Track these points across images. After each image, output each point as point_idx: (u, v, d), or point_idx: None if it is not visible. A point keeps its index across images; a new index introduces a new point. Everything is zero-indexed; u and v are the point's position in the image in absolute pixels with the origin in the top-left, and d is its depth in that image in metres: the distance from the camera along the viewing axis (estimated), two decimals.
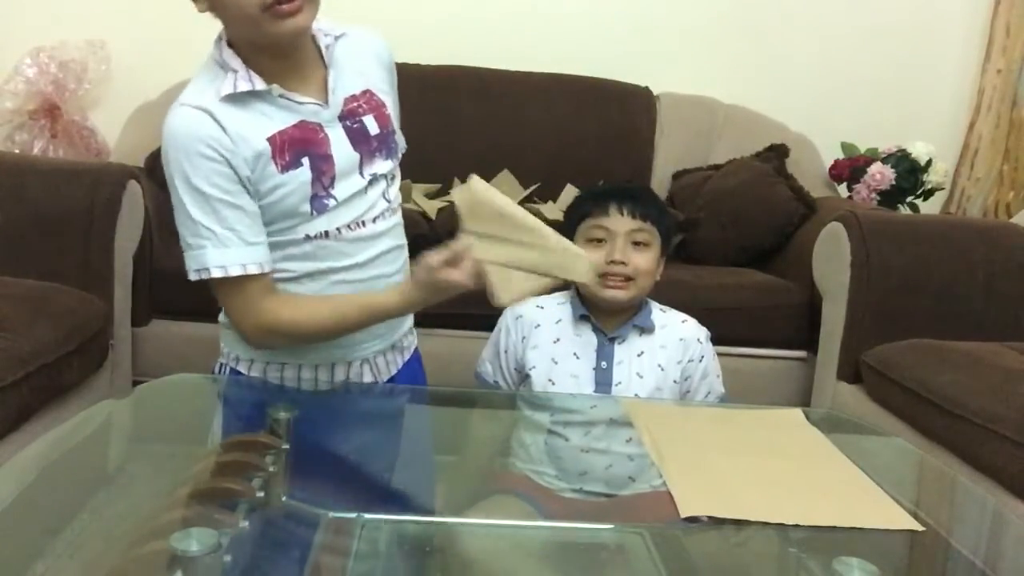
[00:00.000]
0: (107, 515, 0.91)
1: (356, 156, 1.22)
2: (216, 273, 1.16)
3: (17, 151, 2.60)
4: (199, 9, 1.15)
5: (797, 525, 0.93)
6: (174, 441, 1.15)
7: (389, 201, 1.28)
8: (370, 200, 1.24)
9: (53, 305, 1.63)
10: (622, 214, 1.40)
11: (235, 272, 1.15)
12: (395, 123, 1.31)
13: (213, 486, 0.95)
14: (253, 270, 1.16)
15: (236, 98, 1.14)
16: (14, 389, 1.42)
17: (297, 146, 1.16)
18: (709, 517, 0.93)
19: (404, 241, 1.33)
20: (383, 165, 1.25)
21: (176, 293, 2.04)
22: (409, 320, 1.39)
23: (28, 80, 2.61)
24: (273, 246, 1.20)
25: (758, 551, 0.96)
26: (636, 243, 1.40)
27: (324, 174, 1.19)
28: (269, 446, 0.98)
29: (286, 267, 1.22)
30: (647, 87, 2.78)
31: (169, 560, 0.73)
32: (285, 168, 1.16)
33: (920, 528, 0.95)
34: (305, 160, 1.17)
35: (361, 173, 1.22)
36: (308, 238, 1.21)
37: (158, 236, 2.06)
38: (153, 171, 2.20)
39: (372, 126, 1.24)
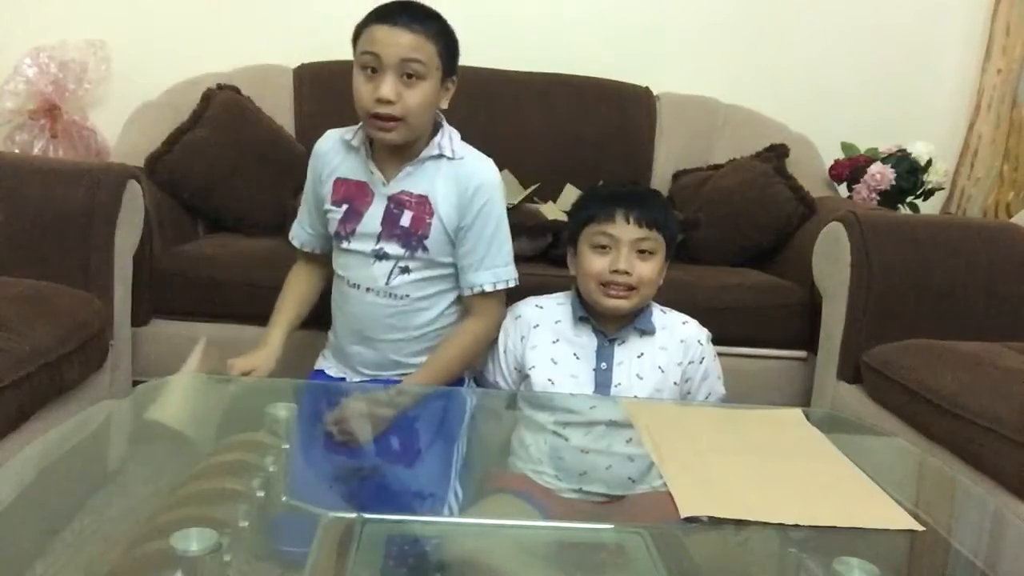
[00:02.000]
0: (107, 515, 0.91)
1: (379, 229, 1.49)
2: (291, 240, 1.67)
3: (17, 151, 2.60)
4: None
5: (797, 525, 0.93)
6: (174, 441, 1.15)
7: (388, 284, 1.51)
8: (374, 274, 1.51)
9: (53, 305, 1.63)
10: (628, 221, 1.38)
11: (290, 237, 1.67)
12: (437, 233, 1.49)
13: (213, 486, 0.95)
14: (296, 243, 1.65)
15: (348, 144, 1.53)
16: (14, 389, 1.42)
17: (347, 195, 1.52)
18: (709, 517, 0.93)
19: (405, 332, 1.54)
20: (396, 250, 1.49)
21: (176, 293, 2.05)
22: (402, 366, 1.56)
23: (28, 80, 2.61)
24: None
25: (758, 551, 0.96)
26: (641, 251, 1.39)
27: (349, 222, 1.52)
28: (269, 446, 0.98)
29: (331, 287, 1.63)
30: (647, 87, 2.78)
31: (169, 560, 0.73)
32: (334, 203, 1.54)
33: (920, 528, 0.95)
34: (345, 206, 1.52)
35: (376, 243, 1.50)
36: (335, 274, 1.58)
37: (158, 236, 2.06)
38: (153, 171, 2.20)
39: (406, 219, 1.48)
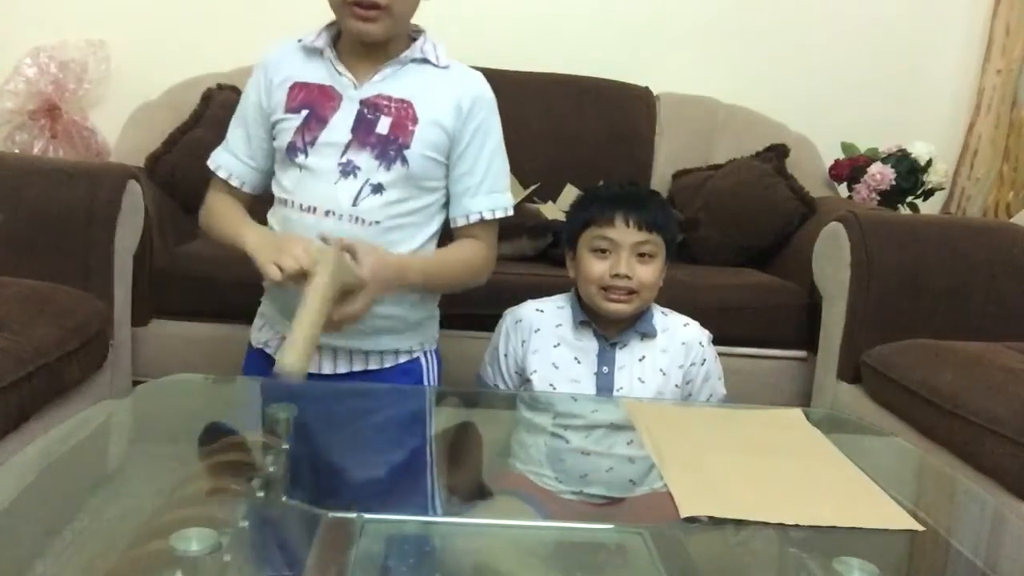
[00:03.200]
0: (107, 515, 0.91)
1: (348, 138, 1.29)
2: (210, 165, 1.41)
3: (17, 151, 2.60)
4: None
5: (797, 525, 0.93)
6: (174, 441, 1.15)
7: (355, 206, 1.28)
8: (337, 194, 1.28)
9: (53, 305, 1.63)
10: (628, 225, 1.38)
11: (211, 166, 1.40)
12: (419, 145, 1.30)
13: (213, 486, 0.95)
14: (222, 174, 1.39)
15: (308, 49, 1.33)
16: (14, 389, 1.42)
17: (307, 100, 1.31)
18: (709, 517, 0.93)
19: None
20: (368, 162, 1.29)
21: (176, 293, 2.05)
22: (378, 343, 1.37)
23: (28, 80, 2.61)
24: (274, 195, 1.37)
25: (758, 551, 0.96)
26: (641, 255, 1.39)
27: (310, 130, 1.30)
28: (269, 446, 0.98)
29: (271, 220, 1.37)
30: (647, 87, 2.78)
31: (169, 560, 0.73)
32: (288, 110, 1.32)
33: (920, 528, 0.95)
34: (304, 112, 1.30)
35: (342, 155, 1.29)
36: (280, 200, 1.34)
37: (158, 236, 2.06)
38: (153, 171, 2.20)
39: (383, 126, 1.29)
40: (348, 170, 1.29)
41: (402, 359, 1.42)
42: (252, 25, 2.74)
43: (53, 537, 0.82)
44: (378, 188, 1.29)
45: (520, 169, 2.55)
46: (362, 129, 1.29)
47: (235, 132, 1.39)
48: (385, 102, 1.30)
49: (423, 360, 1.45)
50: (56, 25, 2.69)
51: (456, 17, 2.83)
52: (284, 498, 0.99)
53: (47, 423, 1.52)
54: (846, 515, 0.96)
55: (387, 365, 1.41)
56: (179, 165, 2.21)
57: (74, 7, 2.73)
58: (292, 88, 1.32)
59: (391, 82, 1.31)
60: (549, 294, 1.54)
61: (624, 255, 1.38)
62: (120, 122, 2.52)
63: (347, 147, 1.29)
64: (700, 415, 1.34)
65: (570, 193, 2.43)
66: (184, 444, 1.15)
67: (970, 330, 1.91)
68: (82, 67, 2.66)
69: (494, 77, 2.65)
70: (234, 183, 1.39)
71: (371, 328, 1.33)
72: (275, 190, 1.38)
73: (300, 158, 1.30)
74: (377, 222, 1.30)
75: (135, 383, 1.95)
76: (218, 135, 1.43)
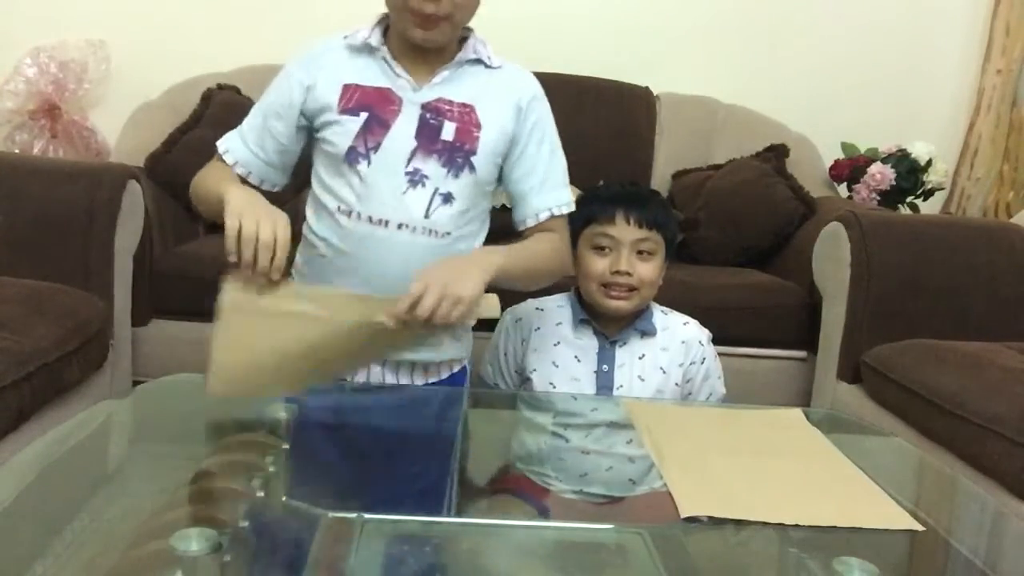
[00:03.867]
0: (107, 515, 0.91)
1: (412, 144, 1.23)
2: (219, 145, 1.30)
3: (17, 151, 2.60)
4: None
5: (797, 525, 0.93)
6: (174, 441, 1.15)
7: (429, 217, 1.23)
8: (408, 204, 1.22)
9: (53, 305, 1.63)
10: (628, 223, 1.38)
11: (220, 148, 1.30)
12: (485, 149, 1.26)
13: (213, 486, 0.95)
14: (229, 159, 1.29)
15: (353, 47, 1.26)
16: (14, 389, 1.42)
17: (364, 101, 1.23)
18: (709, 517, 0.93)
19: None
20: (436, 170, 1.23)
21: (176, 293, 2.05)
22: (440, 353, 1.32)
23: (28, 80, 2.61)
24: (316, 203, 1.28)
25: (758, 551, 0.96)
26: (641, 252, 1.39)
27: (372, 135, 1.22)
28: (269, 446, 0.98)
29: (318, 230, 1.28)
30: (647, 87, 2.78)
31: (169, 560, 0.73)
32: (344, 112, 1.23)
33: (920, 528, 0.95)
34: (363, 114, 1.23)
35: (407, 163, 1.22)
36: (339, 210, 1.24)
37: (158, 236, 2.06)
38: (153, 171, 2.20)
39: (448, 132, 1.24)
40: (416, 179, 1.23)
41: (456, 368, 1.37)
42: (252, 25, 2.74)
43: (53, 537, 0.82)
44: (448, 198, 1.24)
45: None
46: (426, 135, 1.23)
47: (252, 120, 1.30)
48: (447, 106, 1.25)
49: (467, 367, 1.42)
50: (56, 25, 2.69)
51: None
52: (284, 498, 0.99)
53: (47, 423, 1.52)
54: (846, 515, 0.96)
55: (444, 376, 1.36)
56: (179, 165, 2.21)
57: (74, 7, 2.73)
58: (346, 89, 1.23)
59: (450, 85, 1.26)
60: (549, 293, 1.54)
61: (624, 252, 1.38)
62: (120, 122, 2.52)
63: (412, 155, 1.23)
64: (700, 415, 1.34)
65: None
66: (184, 444, 1.15)
67: (970, 330, 1.91)
68: (82, 67, 2.66)
69: None
70: (239, 171, 1.29)
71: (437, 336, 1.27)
72: (325, 198, 1.26)
73: (363, 165, 1.22)
74: (448, 233, 1.25)
75: (135, 383, 1.95)
76: (218, 135, 1.42)
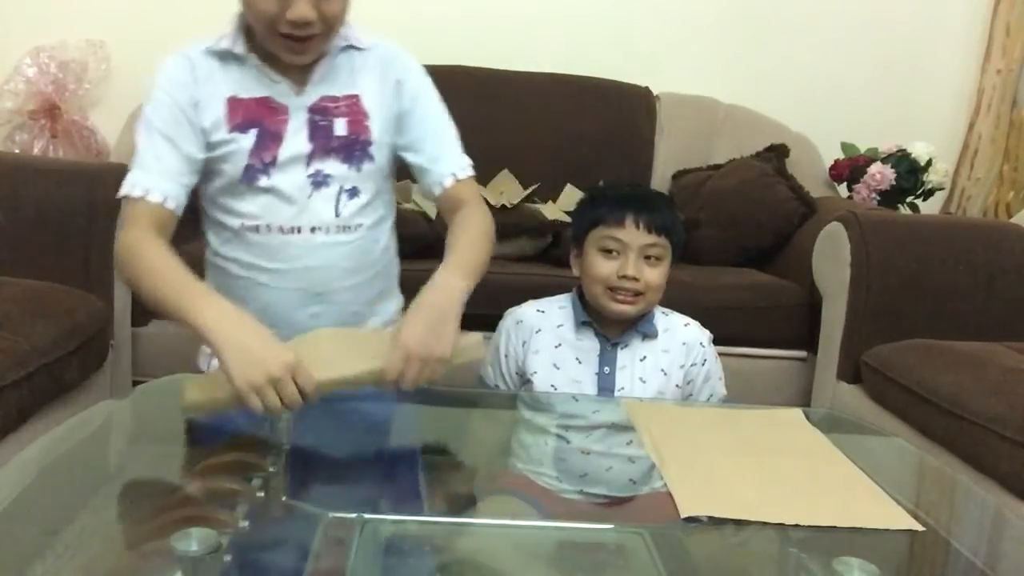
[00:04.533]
0: (107, 515, 0.91)
1: (308, 148, 1.22)
2: (122, 191, 1.20)
3: (17, 151, 2.60)
4: None
5: (797, 525, 0.93)
6: (174, 441, 1.15)
7: (339, 215, 1.24)
8: (317, 207, 1.23)
9: (53, 305, 1.63)
10: (638, 227, 1.37)
11: (136, 193, 1.19)
12: (379, 135, 1.27)
13: (213, 486, 0.95)
14: (154, 198, 1.18)
15: (219, 55, 1.21)
16: (14, 389, 1.42)
17: (251, 116, 1.20)
18: (709, 517, 0.93)
19: (364, 274, 1.30)
20: (337, 168, 1.24)
21: None
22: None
23: (28, 80, 2.61)
24: (217, 226, 1.27)
25: (758, 551, 0.96)
26: (649, 257, 1.39)
27: (266, 150, 1.21)
28: (269, 446, 0.98)
29: (225, 252, 1.27)
30: (647, 87, 2.78)
31: (169, 560, 0.73)
32: (233, 129, 1.20)
33: (920, 528, 0.95)
34: (253, 131, 1.20)
35: (307, 167, 1.22)
36: (244, 228, 1.24)
37: None
38: None
39: (340, 128, 1.24)
40: (319, 181, 1.23)
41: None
42: None
43: (53, 537, 0.82)
44: (353, 192, 1.26)
45: (520, 169, 2.55)
46: (319, 137, 1.23)
47: (160, 149, 1.19)
48: (332, 104, 1.24)
49: None
50: (56, 25, 2.69)
51: (457, 17, 2.84)
52: (284, 498, 0.99)
53: (47, 423, 1.52)
54: (846, 515, 0.96)
55: None
56: None
57: (74, 7, 2.73)
58: (230, 103, 1.20)
59: (329, 81, 1.24)
60: (549, 294, 1.54)
61: (632, 257, 1.37)
62: (120, 122, 2.52)
63: (310, 158, 1.23)
64: (700, 415, 1.34)
65: (570, 193, 2.43)
66: (184, 444, 1.15)
67: (970, 330, 1.91)
68: (82, 67, 2.66)
69: (494, 77, 2.68)
70: (170, 206, 1.19)
71: (349, 316, 1.30)
72: (226, 218, 1.25)
73: (263, 180, 1.21)
74: (360, 225, 1.27)
75: (135, 383, 1.95)
76: None
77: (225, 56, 1.21)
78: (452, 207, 1.31)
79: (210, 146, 1.21)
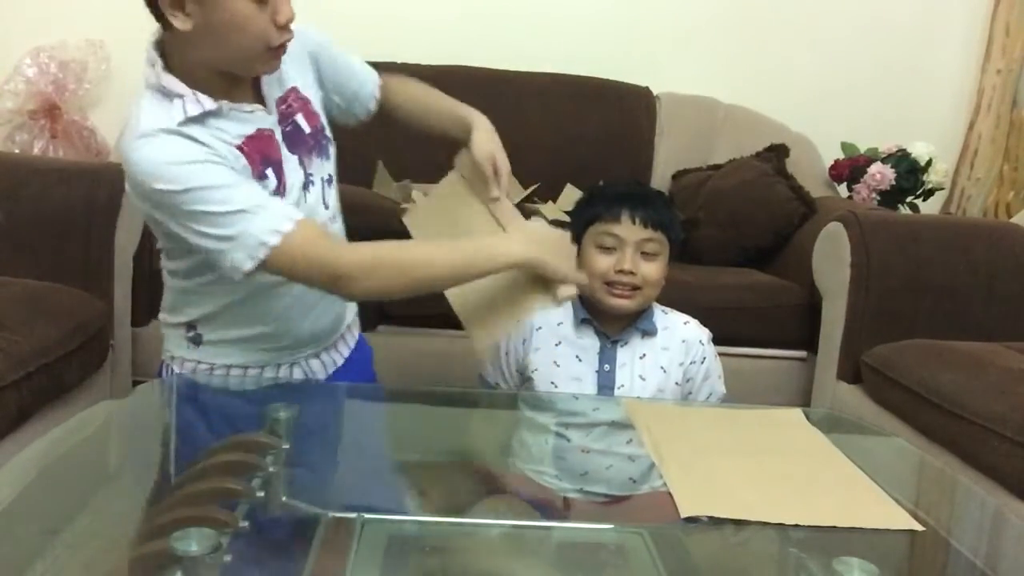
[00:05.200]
0: (107, 515, 0.91)
1: (295, 158, 1.20)
2: (273, 240, 1.06)
3: (17, 151, 2.60)
4: (179, 26, 1.06)
5: (797, 525, 0.93)
6: (174, 441, 1.15)
7: (328, 207, 1.26)
8: (310, 206, 1.21)
9: (53, 305, 1.63)
10: (634, 222, 1.38)
11: (288, 227, 1.07)
12: (322, 114, 1.28)
13: (213, 486, 0.95)
14: (300, 215, 1.10)
15: (193, 120, 1.09)
16: (14, 389, 1.42)
17: (263, 154, 1.15)
18: (709, 517, 0.93)
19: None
20: (320, 166, 1.24)
21: None
22: (347, 320, 1.37)
23: (28, 80, 2.61)
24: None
25: (758, 551, 0.96)
26: (645, 252, 1.40)
27: (281, 178, 1.17)
28: (269, 446, 0.98)
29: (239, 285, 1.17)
30: (647, 87, 2.78)
31: (169, 560, 0.73)
32: (259, 177, 1.13)
33: (920, 528, 0.95)
34: (269, 171, 1.15)
35: (304, 175, 1.21)
36: None
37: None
38: None
39: (304, 125, 1.23)
40: (308, 183, 1.21)
41: (357, 334, 1.42)
42: None
43: (53, 537, 0.82)
44: (330, 180, 1.27)
45: (520, 169, 2.54)
46: (294, 142, 1.21)
47: (250, 188, 1.10)
48: (286, 105, 1.21)
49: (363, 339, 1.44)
50: (56, 25, 2.69)
51: (457, 17, 2.84)
52: (284, 498, 0.99)
53: (47, 423, 1.52)
54: (846, 515, 0.96)
55: (353, 346, 1.40)
56: None
57: (74, 7, 2.73)
58: (242, 151, 1.13)
59: (273, 84, 1.20)
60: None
61: (629, 251, 1.38)
62: (120, 122, 2.51)
63: (301, 165, 1.21)
64: (700, 415, 1.34)
65: (570, 193, 2.43)
66: (184, 444, 1.15)
67: (970, 330, 1.91)
68: (82, 67, 2.66)
69: (494, 77, 2.68)
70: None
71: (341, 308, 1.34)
72: None
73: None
74: (339, 209, 1.31)
75: (135, 383, 1.95)
76: None
77: (200, 119, 1.10)
78: (386, 95, 1.40)
79: None
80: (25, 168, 1.91)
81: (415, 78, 1.45)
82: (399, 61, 2.69)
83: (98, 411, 1.22)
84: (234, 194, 1.07)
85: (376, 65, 1.41)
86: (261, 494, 0.90)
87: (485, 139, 1.34)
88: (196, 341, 1.25)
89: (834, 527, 0.93)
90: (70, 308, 1.67)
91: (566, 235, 1.25)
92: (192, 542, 0.74)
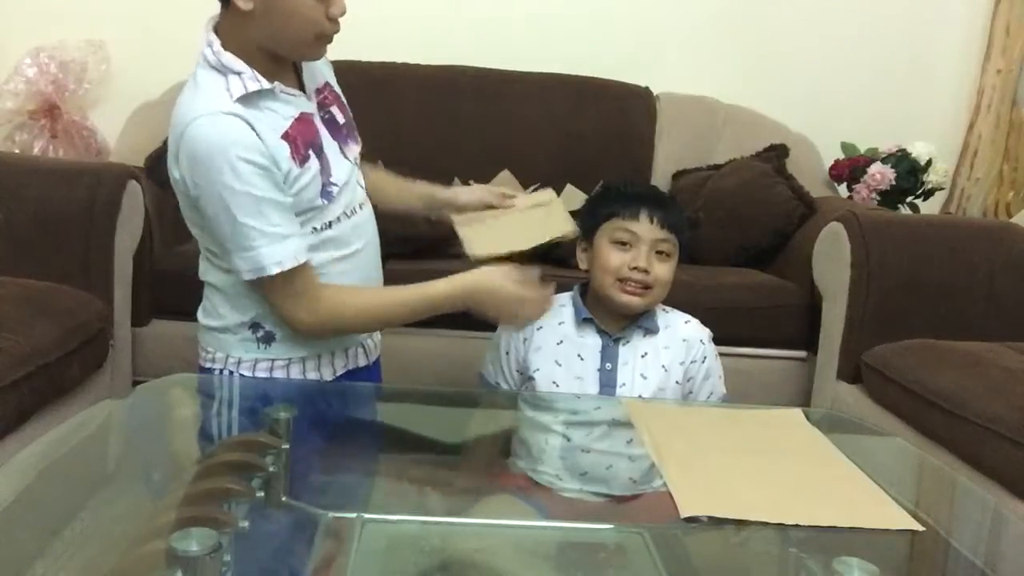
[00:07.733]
0: (107, 515, 0.91)
1: (335, 144, 1.29)
2: (274, 270, 1.17)
3: (17, 151, 2.60)
4: (242, 5, 1.14)
5: (797, 525, 0.93)
6: (174, 441, 1.15)
7: (362, 187, 1.35)
8: (352, 186, 1.30)
9: (53, 305, 1.63)
10: (651, 222, 1.40)
11: (290, 264, 1.18)
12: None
13: (213, 486, 0.95)
14: (303, 258, 1.20)
15: (247, 99, 1.16)
16: (14, 389, 1.42)
17: (305, 138, 1.22)
18: (709, 517, 0.93)
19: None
20: (355, 150, 1.34)
21: (176, 293, 2.04)
22: None
23: (28, 80, 2.61)
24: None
25: (758, 551, 0.96)
26: (659, 252, 1.41)
27: (325, 164, 1.24)
28: (269, 446, 0.98)
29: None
30: (647, 87, 2.77)
31: (169, 560, 0.73)
32: (302, 162, 1.20)
33: (920, 528, 0.95)
34: (311, 152, 1.22)
35: (346, 157, 1.30)
36: (315, 231, 1.24)
37: (158, 236, 2.06)
38: (153, 171, 2.20)
39: (339, 115, 1.32)
40: (350, 168, 1.32)
41: (379, 351, 1.45)
42: None
43: (53, 537, 0.82)
44: (357, 161, 1.35)
45: (520, 169, 2.55)
46: (333, 133, 1.29)
47: (275, 217, 1.17)
48: (321, 96, 1.30)
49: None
50: (56, 25, 2.69)
51: (457, 17, 2.84)
52: (284, 498, 0.99)
53: (47, 423, 1.52)
54: (846, 515, 0.96)
55: (373, 359, 1.42)
56: None
57: (74, 7, 2.73)
58: (287, 137, 1.19)
59: (310, 76, 1.28)
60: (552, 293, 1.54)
61: (644, 249, 1.39)
62: (120, 122, 2.52)
63: (342, 151, 1.29)
64: (700, 415, 1.34)
65: (570, 193, 2.43)
66: (184, 444, 1.15)
67: (970, 330, 1.91)
68: (82, 67, 2.66)
69: (494, 77, 2.68)
70: (310, 258, 1.22)
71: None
72: (312, 239, 1.25)
73: (334, 190, 1.25)
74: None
75: (135, 383, 1.95)
76: None
77: (253, 97, 1.17)
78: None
79: (290, 185, 1.20)
80: (25, 168, 1.91)
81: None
82: (399, 61, 2.70)
83: (98, 411, 1.22)
84: (271, 214, 1.16)
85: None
86: (261, 494, 0.90)
87: (462, 189, 1.50)
88: (268, 340, 1.28)
89: (834, 527, 0.93)
90: (70, 308, 1.67)
91: (537, 286, 1.29)
92: (192, 542, 0.74)
